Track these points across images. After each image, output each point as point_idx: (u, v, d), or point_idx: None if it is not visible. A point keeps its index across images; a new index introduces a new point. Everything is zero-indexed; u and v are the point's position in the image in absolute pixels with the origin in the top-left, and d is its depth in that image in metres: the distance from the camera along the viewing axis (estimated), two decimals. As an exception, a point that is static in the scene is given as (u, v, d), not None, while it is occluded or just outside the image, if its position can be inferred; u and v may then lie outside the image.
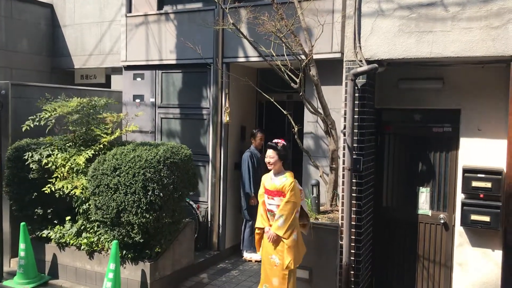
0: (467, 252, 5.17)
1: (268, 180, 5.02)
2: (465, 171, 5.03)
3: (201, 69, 7.19)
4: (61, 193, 6.02)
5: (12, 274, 6.39)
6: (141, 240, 5.51)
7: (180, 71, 7.50)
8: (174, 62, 7.44)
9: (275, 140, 5.09)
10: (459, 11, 4.57)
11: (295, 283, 5.02)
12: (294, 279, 4.97)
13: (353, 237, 5.07)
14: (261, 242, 5.08)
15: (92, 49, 9.31)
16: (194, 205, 7.16)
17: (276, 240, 4.86)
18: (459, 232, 5.20)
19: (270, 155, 4.98)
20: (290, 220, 4.80)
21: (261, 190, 5.13)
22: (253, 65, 7.38)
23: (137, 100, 7.85)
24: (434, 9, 4.68)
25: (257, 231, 5.10)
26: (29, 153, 6.18)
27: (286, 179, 4.89)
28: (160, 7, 7.73)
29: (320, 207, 5.77)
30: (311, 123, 6.61)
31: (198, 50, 6.40)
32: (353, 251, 5.07)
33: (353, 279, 5.09)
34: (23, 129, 6.23)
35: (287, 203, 4.80)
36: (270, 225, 4.93)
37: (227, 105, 7.09)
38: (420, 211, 5.48)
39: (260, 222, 5.04)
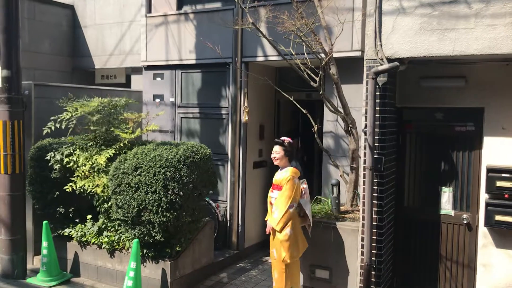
0: (491, 253, 5.08)
1: (276, 175, 5.34)
2: (489, 170, 4.94)
3: (220, 68, 7.20)
4: (82, 192, 6.09)
5: (35, 272, 6.50)
6: (162, 239, 5.54)
7: (200, 70, 7.53)
8: (193, 62, 7.47)
9: (282, 138, 5.38)
10: (482, 8, 4.48)
11: (297, 277, 5.21)
12: (294, 274, 5.15)
13: (374, 237, 5.02)
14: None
15: (113, 49, 9.41)
16: (213, 204, 7.18)
17: (274, 233, 5.12)
18: (483, 233, 5.11)
19: (276, 151, 5.30)
20: (284, 214, 5.02)
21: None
22: (272, 64, 7.36)
23: (157, 100, 7.90)
24: (456, 6, 4.60)
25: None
26: (51, 152, 6.27)
27: (286, 173, 5.17)
28: (179, 7, 7.77)
29: (341, 207, 5.74)
30: (330, 122, 6.57)
31: (218, 50, 6.42)
32: (374, 251, 5.02)
33: (374, 279, 5.04)
34: (44, 132, 6.33)
35: (281, 195, 5.09)
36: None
37: (245, 104, 7.09)
38: (442, 211, 5.40)
39: (267, 215, 5.35)
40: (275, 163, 5.33)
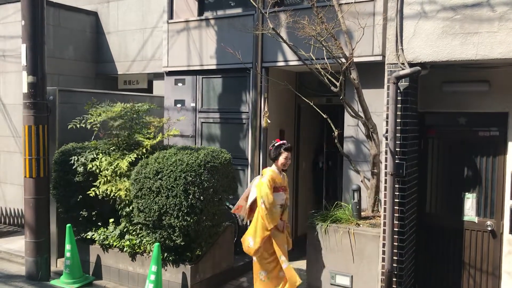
0: (516, 261, 4.98)
1: (279, 178, 5.40)
2: (514, 176, 4.85)
3: (241, 73, 7.24)
4: (105, 196, 6.18)
5: (58, 274, 6.61)
6: (182, 243, 5.58)
7: (220, 76, 7.58)
8: (214, 67, 7.52)
9: (284, 141, 5.48)
10: (507, 11, 4.41)
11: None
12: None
13: (396, 243, 4.96)
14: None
15: (135, 55, 9.54)
16: (233, 209, 7.19)
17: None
18: (508, 240, 5.01)
19: (289, 157, 5.42)
20: None
21: (268, 190, 5.19)
22: (292, 69, 7.37)
23: (178, 105, 7.98)
24: (479, 10, 4.54)
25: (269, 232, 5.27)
26: (75, 156, 6.38)
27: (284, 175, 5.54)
28: (200, 13, 7.85)
29: (362, 213, 5.69)
30: (351, 126, 6.54)
31: (238, 55, 6.45)
32: (396, 258, 4.97)
33: (395, 286, 4.98)
34: (69, 127, 6.49)
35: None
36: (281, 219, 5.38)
37: (266, 109, 7.11)
38: (465, 218, 5.31)
39: (275, 220, 5.25)
40: (286, 168, 5.47)
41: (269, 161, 7.25)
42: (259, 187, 5.24)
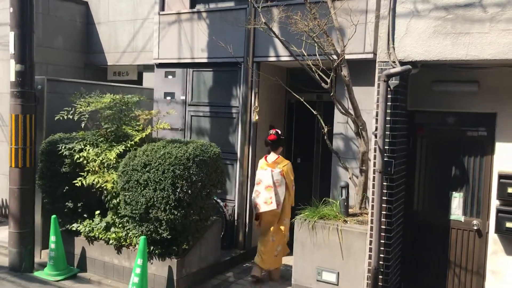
0: (501, 260, 5.03)
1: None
2: (501, 176, 4.89)
3: (232, 67, 7.20)
4: (92, 187, 6.12)
5: (42, 265, 6.55)
6: (169, 237, 5.55)
7: (211, 69, 7.53)
8: (205, 60, 7.47)
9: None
10: (498, 12, 4.43)
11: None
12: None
13: (383, 241, 4.99)
14: None
15: (125, 47, 9.45)
16: (221, 203, 7.18)
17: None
18: (493, 240, 5.06)
19: None
20: None
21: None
22: (283, 64, 7.35)
23: (168, 98, 7.92)
24: (471, 10, 4.55)
25: None
26: (62, 145, 6.30)
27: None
28: (192, 5, 7.78)
29: (349, 210, 5.70)
30: (341, 124, 6.54)
31: (230, 49, 6.41)
32: (382, 255, 4.99)
33: (381, 283, 5.01)
34: (56, 118, 6.42)
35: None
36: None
37: (256, 104, 7.08)
38: (452, 217, 5.35)
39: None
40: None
41: (258, 155, 7.27)
42: (291, 172, 6.22)
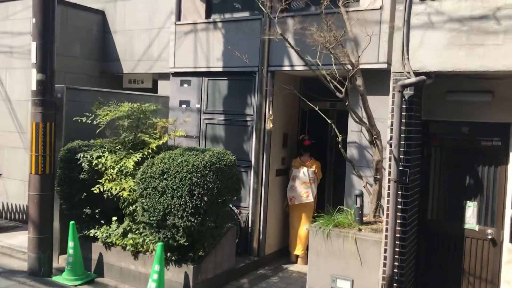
0: (515, 270, 5.05)
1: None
2: (515, 186, 4.92)
3: (247, 77, 7.32)
4: (109, 194, 6.24)
5: (60, 270, 6.67)
6: (186, 243, 5.65)
7: (226, 78, 7.65)
8: (220, 69, 7.60)
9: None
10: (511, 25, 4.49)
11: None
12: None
13: (397, 249, 5.03)
14: None
15: (141, 55, 9.60)
16: (236, 210, 7.27)
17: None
18: (508, 249, 5.08)
19: None
20: None
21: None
22: (297, 73, 7.45)
23: (183, 106, 8.05)
24: (486, 22, 4.62)
25: None
26: (81, 154, 6.44)
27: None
28: (208, 15, 7.91)
29: (363, 218, 5.76)
30: (355, 132, 6.61)
31: (245, 59, 6.52)
32: (397, 264, 5.04)
33: (395, 291, 5.06)
34: (74, 118, 6.58)
35: None
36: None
37: (270, 112, 7.18)
38: (466, 226, 5.39)
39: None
40: None
41: (272, 163, 7.37)
42: (320, 171, 7.57)
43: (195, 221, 5.48)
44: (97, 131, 6.54)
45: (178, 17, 8.11)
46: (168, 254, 5.83)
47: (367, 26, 5.72)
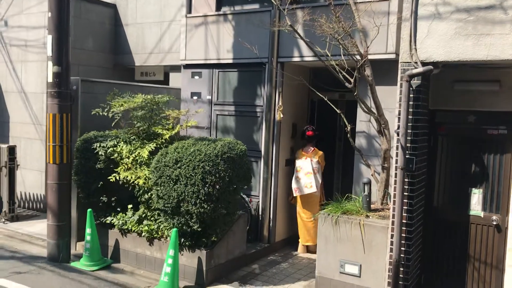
0: (519, 255, 5.17)
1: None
2: (520, 173, 5.03)
3: (256, 68, 7.46)
4: (125, 183, 6.45)
5: (77, 257, 6.90)
6: (199, 229, 5.84)
7: (236, 70, 7.80)
8: (230, 61, 7.74)
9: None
10: (518, 14, 4.58)
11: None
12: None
13: (404, 235, 5.18)
14: None
15: (152, 48, 9.78)
16: (246, 199, 7.45)
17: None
18: (512, 235, 5.21)
19: None
20: None
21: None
22: (306, 64, 7.58)
23: (195, 97, 8.22)
24: (492, 12, 4.71)
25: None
26: (97, 144, 6.65)
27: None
28: (218, 8, 8.04)
29: (371, 205, 5.90)
30: (363, 122, 6.74)
31: (255, 50, 6.66)
32: (403, 249, 5.19)
33: (402, 275, 5.21)
34: (92, 113, 6.79)
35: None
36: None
37: (280, 103, 7.32)
38: (471, 212, 5.51)
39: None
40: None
41: (282, 153, 7.53)
42: (323, 160, 7.56)
43: (208, 207, 5.66)
44: (113, 123, 6.72)
45: (189, 10, 8.25)
46: (182, 240, 6.03)
47: (375, 17, 5.82)
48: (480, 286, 5.49)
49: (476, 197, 5.48)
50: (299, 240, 7.65)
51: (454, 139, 5.64)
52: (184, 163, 5.78)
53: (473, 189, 5.50)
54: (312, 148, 7.49)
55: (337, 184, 8.22)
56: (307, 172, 7.33)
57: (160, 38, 9.69)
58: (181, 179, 5.75)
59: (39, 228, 8.12)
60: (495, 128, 5.37)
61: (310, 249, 7.56)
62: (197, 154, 5.79)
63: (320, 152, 7.53)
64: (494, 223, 5.36)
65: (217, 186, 5.72)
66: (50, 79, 6.59)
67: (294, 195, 7.52)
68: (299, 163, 7.42)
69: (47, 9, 6.54)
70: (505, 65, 5.08)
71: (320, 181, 7.45)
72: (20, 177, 9.36)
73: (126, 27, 10.21)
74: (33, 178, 9.31)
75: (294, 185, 7.44)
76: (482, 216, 5.45)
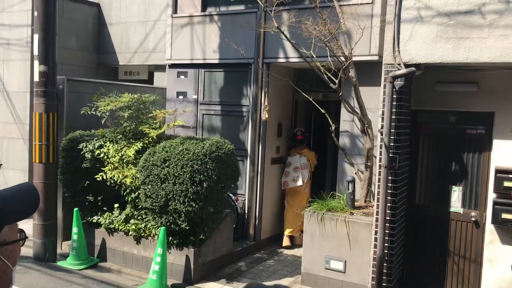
0: (497, 249, 5.40)
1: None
2: (498, 171, 5.25)
3: (242, 68, 7.56)
4: (112, 182, 6.48)
5: (63, 256, 6.90)
6: (187, 227, 5.91)
7: (222, 70, 7.89)
8: (216, 61, 7.82)
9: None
10: (496, 19, 4.79)
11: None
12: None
13: (387, 231, 5.35)
14: None
15: (137, 47, 9.79)
16: (233, 197, 7.54)
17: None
18: (490, 230, 5.43)
19: None
20: None
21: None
22: (291, 65, 7.70)
23: (180, 97, 8.27)
24: (471, 17, 4.91)
25: None
26: (84, 143, 6.66)
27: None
28: (204, 8, 8.11)
29: (355, 203, 6.07)
30: (347, 122, 6.90)
31: (241, 51, 6.76)
32: (387, 245, 5.36)
33: (385, 271, 5.38)
34: (82, 112, 6.78)
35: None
36: None
37: (266, 103, 7.44)
38: (452, 209, 5.72)
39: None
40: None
41: (268, 152, 7.64)
42: (314, 159, 8.01)
43: (196, 206, 5.74)
44: (102, 122, 6.73)
45: (175, 10, 8.30)
46: (170, 238, 6.10)
47: (360, 20, 5.99)
48: (459, 279, 5.71)
49: (456, 194, 5.69)
50: (284, 232, 7.86)
51: (435, 139, 5.84)
52: (173, 162, 5.84)
53: (453, 186, 5.71)
54: (304, 148, 7.97)
55: (328, 183, 8.41)
56: (295, 167, 7.80)
57: (145, 38, 9.71)
58: (169, 178, 5.82)
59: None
60: (474, 128, 5.59)
61: (294, 242, 7.81)
62: (185, 153, 5.86)
63: (311, 152, 8.04)
64: (473, 219, 5.57)
65: (205, 185, 5.80)
66: (36, 78, 6.59)
67: (282, 188, 7.99)
68: (289, 159, 7.95)
69: (30, 7, 6.52)
70: (483, 68, 5.30)
71: (307, 177, 7.78)
72: (2, 177, 9.26)
73: (110, 26, 10.19)
74: (17, 177, 9.22)
75: (283, 178, 7.95)
76: (462, 213, 5.67)
